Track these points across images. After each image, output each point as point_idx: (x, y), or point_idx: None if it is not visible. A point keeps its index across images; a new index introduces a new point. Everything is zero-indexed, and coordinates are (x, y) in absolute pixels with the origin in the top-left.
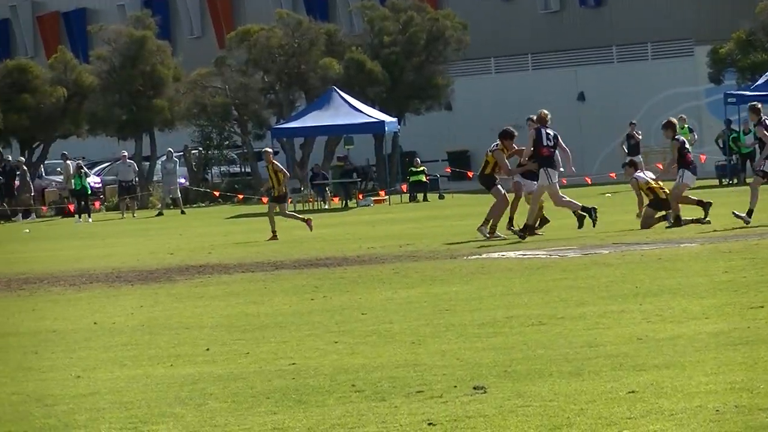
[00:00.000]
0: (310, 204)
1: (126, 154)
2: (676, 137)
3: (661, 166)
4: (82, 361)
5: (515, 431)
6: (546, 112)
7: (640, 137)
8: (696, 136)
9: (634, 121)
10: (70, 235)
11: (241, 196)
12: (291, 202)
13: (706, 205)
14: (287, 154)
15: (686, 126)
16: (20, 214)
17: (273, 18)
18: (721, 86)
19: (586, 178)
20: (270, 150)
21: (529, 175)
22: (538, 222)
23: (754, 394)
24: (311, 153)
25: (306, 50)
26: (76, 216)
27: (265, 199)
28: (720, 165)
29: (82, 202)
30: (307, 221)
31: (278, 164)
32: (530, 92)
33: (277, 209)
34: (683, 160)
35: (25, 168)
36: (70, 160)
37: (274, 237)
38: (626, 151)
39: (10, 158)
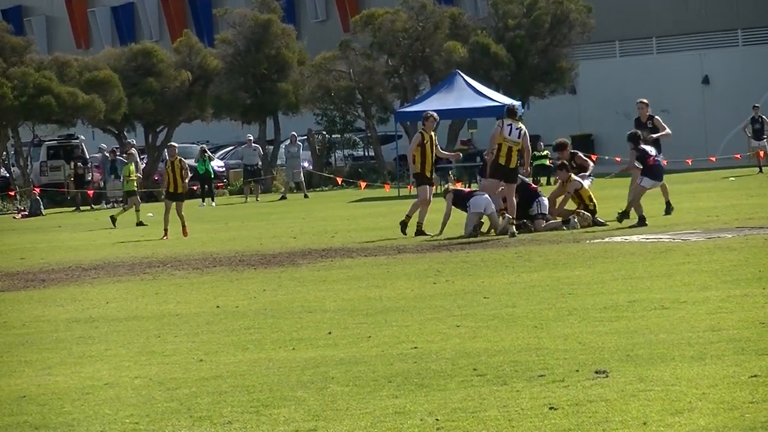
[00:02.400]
0: (434, 188)
1: (252, 138)
2: (637, 147)
3: None
4: (205, 345)
5: (637, 415)
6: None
7: (767, 120)
8: None
9: (757, 105)
10: (194, 218)
11: (363, 185)
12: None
13: (641, 219)
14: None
15: None
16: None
17: (397, 1)
18: None
19: (711, 158)
20: (175, 144)
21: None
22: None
23: None
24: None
25: (430, 34)
26: (200, 200)
27: (387, 187)
28: None
29: (206, 186)
30: (183, 229)
31: (184, 161)
32: (655, 76)
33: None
34: (645, 167)
35: (133, 152)
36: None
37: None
38: (750, 135)
39: (133, 142)
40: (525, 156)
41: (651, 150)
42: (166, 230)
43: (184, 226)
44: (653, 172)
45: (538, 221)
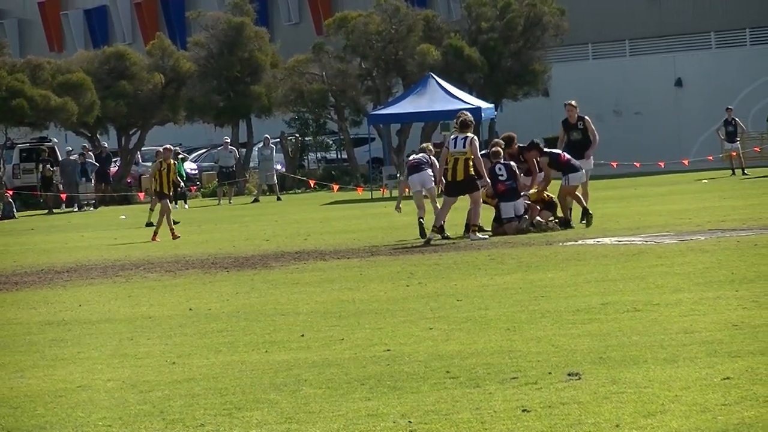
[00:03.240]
0: (406, 190)
1: (228, 140)
2: (543, 153)
3: (758, 150)
4: (178, 348)
5: (609, 417)
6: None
7: (740, 123)
8: None
9: (730, 107)
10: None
11: (336, 188)
12: (386, 189)
13: (586, 215)
14: (383, 140)
15: None
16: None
17: (371, 4)
18: None
19: (684, 161)
20: (171, 147)
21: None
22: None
23: None
24: (408, 139)
25: (403, 36)
26: (173, 202)
27: (360, 189)
28: None
29: (179, 189)
30: (154, 234)
31: (174, 164)
32: (628, 78)
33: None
34: (564, 166)
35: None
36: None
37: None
38: (723, 137)
39: (107, 145)
40: (476, 165)
41: (555, 150)
42: (172, 230)
43: (156, 232)
44: (571, 165)
45: (508, 224)
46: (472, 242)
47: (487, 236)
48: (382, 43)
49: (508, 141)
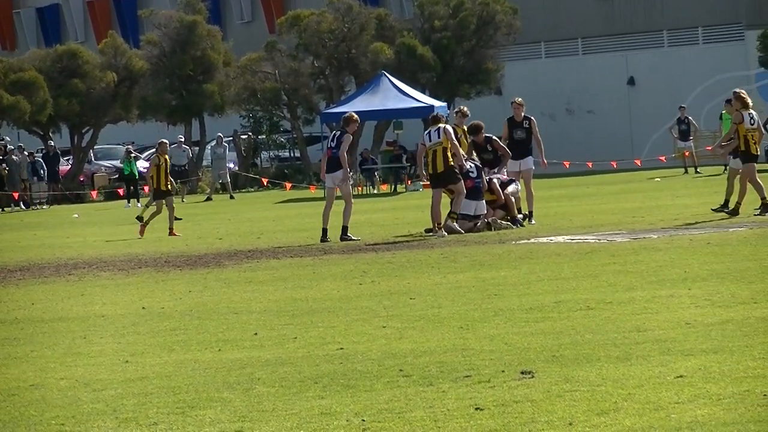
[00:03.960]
0: (359, 189)
1: (182, 138)
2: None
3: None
4: (131, 346)
5: (563, 416)
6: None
7: (693, 121)
8: None
9: (683, 105)
10: (119, 220)
11: (289, 186)
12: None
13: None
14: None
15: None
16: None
17: (323, 2)
18: None
19: (636, 161)
20: (166, 141)
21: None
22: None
23: None
24: (360, 138)
25: (356, 35)
26: (126, 201)
27: (313, 188)
28: None
29: (131, 187)
30: (142, 227)
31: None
32: (580, 77)
33: (164, 203)
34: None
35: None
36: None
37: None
38: (676, 136)
39: (52, 143)
40: (454, 151)
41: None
42: (171, 229)
43: (171, 228)
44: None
45: (462, 221)
46: (439, 237)
47: (462, 230)
48: (334, 42)
49: (476, 129)
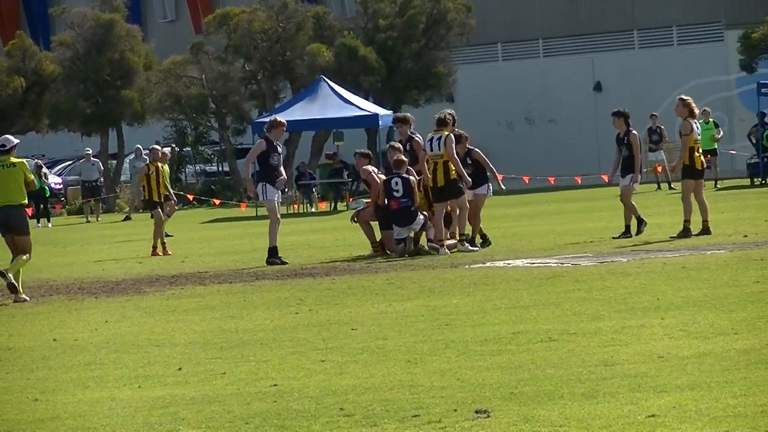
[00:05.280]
0: (295, 207)
1: (90, 151)
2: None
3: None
4: (41, 383)
5: None
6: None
7: (665, 132)
8: (722, 132)
9: (655, 113)
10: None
11: (217, 202)
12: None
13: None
14: None
15: (711, 120)
16: None
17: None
18: (755, 75)
19: (603, 177)
20: (158, 147)
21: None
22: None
23: None
24: (297, 150)
25: (292, 35)
26: (35, 220)
27: (243, 205)
28: (752, 163)
29: (41, 206)
30: (155, 249)
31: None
32: (542, 82)
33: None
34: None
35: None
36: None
37: (158, 251)
38: (647, 147)
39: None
40: (454, 166)
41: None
42: (154, 247)
43: (154, 246)
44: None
45: (391, 245)
46: (440, 256)
47: (476, 248)
48: (268, 43)
49: (458, 138)
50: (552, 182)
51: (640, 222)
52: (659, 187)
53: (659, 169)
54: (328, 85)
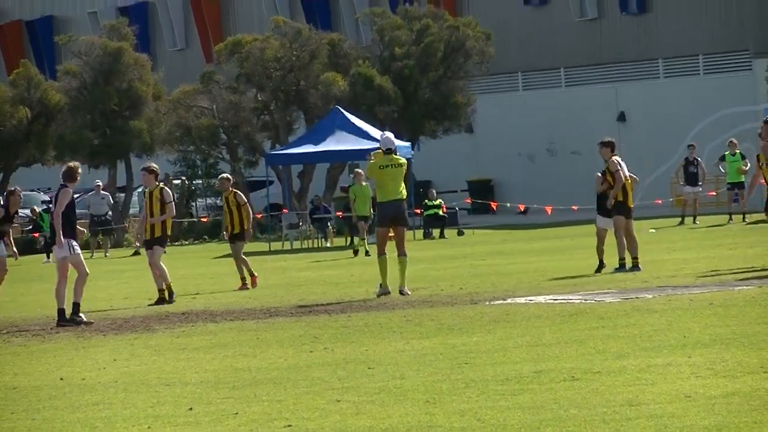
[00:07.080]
0: (310, 242)
1: (100, 184)
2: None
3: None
4: (47, 423)
5: None
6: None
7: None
8: (749, 164)
9: (693, 144)
10: (35, 277)
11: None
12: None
13: None
14: (283, 184)
15: (738, 151)
16: None
17: (268, 27)
18: None
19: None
20: (227, 176)
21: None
22: None
23: None
24: (311, 183)
25: (306, 64)
26: (45, 255)
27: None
28: None
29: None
30: (252, 279)
31: (242, 195)
32: (563, 112)
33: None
34: None
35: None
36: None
37: (245, 285)
38: (682, 180)
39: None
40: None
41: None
42: (243, 279)
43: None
44: None
45: None
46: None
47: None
48: (281, 72)
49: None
50: (575, 210)
51: (602, 264)
52: (682, 222)
53: (690, 201)
54: (343, 115)
